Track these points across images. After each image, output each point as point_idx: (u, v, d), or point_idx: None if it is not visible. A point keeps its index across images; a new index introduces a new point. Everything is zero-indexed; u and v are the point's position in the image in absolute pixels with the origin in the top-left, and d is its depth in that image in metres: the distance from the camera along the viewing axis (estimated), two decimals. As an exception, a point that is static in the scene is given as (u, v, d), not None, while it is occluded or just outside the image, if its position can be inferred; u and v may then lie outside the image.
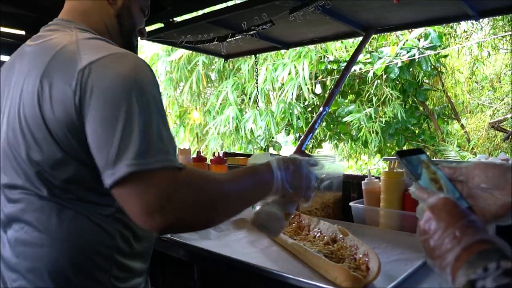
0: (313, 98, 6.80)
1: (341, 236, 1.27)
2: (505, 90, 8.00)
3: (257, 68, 4.08)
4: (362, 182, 1.60)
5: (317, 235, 1.37)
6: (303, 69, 5.82)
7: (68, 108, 0.86)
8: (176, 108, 7.62)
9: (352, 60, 2.61)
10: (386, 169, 1.53)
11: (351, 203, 1.59)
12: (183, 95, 7.30)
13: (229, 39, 2.30)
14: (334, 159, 1.73)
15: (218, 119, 6.65)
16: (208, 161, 2.08)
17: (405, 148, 7.28)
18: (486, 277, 0.55)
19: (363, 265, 1.09)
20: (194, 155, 2.08)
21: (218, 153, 2.01)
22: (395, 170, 1.51)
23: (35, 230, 0.93)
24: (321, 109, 2.27)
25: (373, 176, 1.61)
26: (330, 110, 6.91)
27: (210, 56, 6.37)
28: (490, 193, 0.78)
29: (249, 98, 6.54)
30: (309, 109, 7.28)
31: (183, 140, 7.82)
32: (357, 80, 7.01)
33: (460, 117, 7.73)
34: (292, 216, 1.54)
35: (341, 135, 7.54)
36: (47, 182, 0.91)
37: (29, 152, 0.90)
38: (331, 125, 7.41)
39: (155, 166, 0.82)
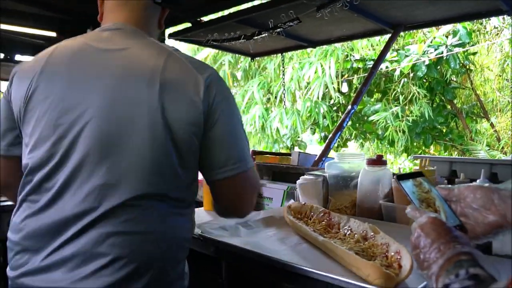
0: (338, 97, 6.77)
1: (372, 234, 1.26)
2: (537, 89, 7.79)
3: (283, 67, 4.08)
4: (392, 180, 1.59)
5: (348, 233, 1.36)
6: (329, 67, 5.80)
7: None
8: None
9: (380, 58, 2.59)
10: (417, 167, 1.51)
11: (381, 201, 1.58)
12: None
13: (256, 37, 2.31)
14: (363, 158, 1.72)
15: (244, 118, 6.67)
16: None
17: (432, 147, 7.18)
18: (455, 282, 0.65)
19: (395, 263, 1.08)
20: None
21: (247, 151, 2.02)
22: (426, 168, 1.49)
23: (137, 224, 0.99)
24: (349, 107, 2.27)
25: (403, 174, 1.60)
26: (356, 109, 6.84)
27: (236, 55, 6.39)
28: (479, 213, 0.87)
29: (275, 97, 6.54)
30: (335, 108, 7.24)
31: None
32: (384, 78, 6.94)
33: (489, 116, 7.57)
34: (322, 214, 1.55)
35: (367, 134, 7.48)
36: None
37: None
38: (357, 124, 7.36)
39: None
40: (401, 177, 0.99)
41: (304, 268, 1.15)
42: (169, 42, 3.51)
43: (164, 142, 0.99)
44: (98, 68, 1.03)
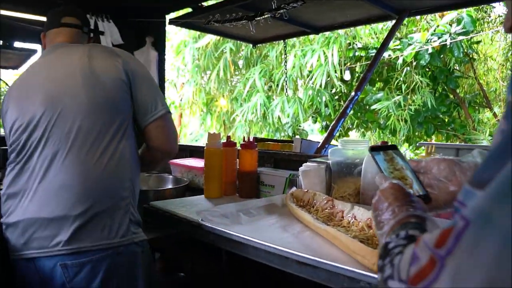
0: (340, 86, 6.71)
1: (377, 221, 1.23)
2: (540, 78, 7.70)
3: (285, 54, 4.03)
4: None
5: (352, 220, 1.33)
6: (332, 55, 5.73)
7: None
8: (203, 95, 7.62)
9: (385, 44, 2.54)
10: (423, 154, 1.47)
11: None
12: (210, 83, 7.29)
13: (258, 18, 2.25)
14: (367, 144, 1.68)
15: (245, 106, 6.62)
16: (238, 146, 2.06)
17: (434, 137, 7.13)
18: (393, 240, 0.67)
19: (402, 251, 1.05)
20: (224, 140, 2.05)
21: (249, 138, 1.98)
22: (432, 155, 1.45)
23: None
24: (352, 94, 2.23)
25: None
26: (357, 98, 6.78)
27: (238, 42, 6.33)
28: (442, 183, 0.94)
29: (277, 85, 6.48)
30: (336, 97, 7.18)
31: (210, 128, 7.83)
32: (386, 67, 6.88)
33: (492, 106, 7.51)
34: (325, 201, 1.52)
35: (369, 123, 7.43)
36: None
37: None
38: (359, 113, 7.31)
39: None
40: (373, 148, 1.04)
41: (308, 256, 1.12)
42: (170, 27, 3.46)
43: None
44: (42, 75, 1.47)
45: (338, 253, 1.15)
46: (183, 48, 7.03)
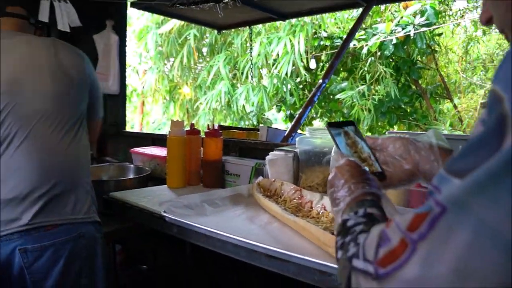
0: (305, 75, 6.69)
1: (348, 212, 1.19)
2: (497, 71, 7.92)
3: (251, 41, 3.94)
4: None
5: (321, 211, 1.28)
6: (298, 43, 5.67)
7: None
8: (166, 83, 7.45)
9: (353, 32, 2.50)
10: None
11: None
12: (173, 70, 7.13)
13: (226, 0, 2.17)
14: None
15: (209, 94, 6.50)
16: (202, 134, 1.98)
17: (396, 127, 7.23)
18: (352, 218, 0.68)
19: (375, 243, 1.01)
20: (187, 128, 1.97)
21: (213, 125, 1.91)
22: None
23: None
24: (320, 81, 2.18)
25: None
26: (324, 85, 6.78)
27: (203, 28, 6.20)
28: (397, 161, 0.93)
29: (242, 73, 6.39)
30: (301, 86, 7.17)
31: (173, 116, 7.68)
32: (350, 57, 6.91)
33: (452, 97, 7.67)
34: (293, 191, 1.47)
35: (333, 112, 7.46)
36: None
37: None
38: (323, 103, 7.32)
39: None
40: (331, 124, 1.02)
41: (277, 249, 1.06)
42: (132, 12, 3.32)
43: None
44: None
45: (308, 245, 1.11)
46: (146, 34, 6.82)
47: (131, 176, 2.22)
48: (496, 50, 7.93)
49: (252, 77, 5.45)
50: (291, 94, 6.59)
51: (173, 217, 1.36)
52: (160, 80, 7.46)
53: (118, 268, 2.56)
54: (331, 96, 6.95)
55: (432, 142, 0.92)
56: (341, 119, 7.32)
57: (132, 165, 2.35)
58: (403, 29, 5.96)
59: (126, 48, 3.09)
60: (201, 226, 1.27)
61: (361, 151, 0.96)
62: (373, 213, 0.68)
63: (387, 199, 0.78)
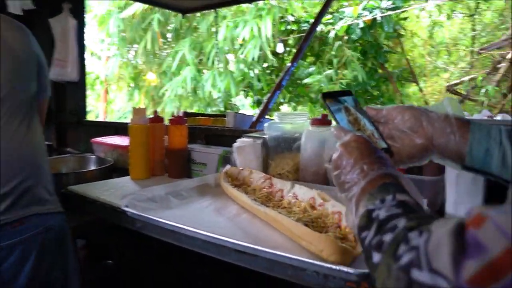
0: (272, 60, 6.62)
1: (320, 201, 1.12)
2: (461, 54, 8.06)
3: (216, 25, 3.82)
4: (340, 140, 1.45)
5: (293, 201, 1.22)
6: (265, 27, 5.55)
7: None
8: (130, 69, 7.24)
9: (320, 15, 2.43)
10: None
11: (326, 164, 1.44)
12: (137, 56, 6.93)
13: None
14: (306, 117, 1.57)
15: (174, 80, 6.34)
16: (166, 122, 1.88)
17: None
18: (381, 208, 0.59)
19: (350, 234, 0.95)
20: (151, 116, 1.87)
21: (178, 112, 1.81)
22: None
23: None
24: (289, 64, 2.11)
25: (350, 135, 1.47)
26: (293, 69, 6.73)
27: (167, 12, 6.02)
28: (406, 135, 0.82)
29: (208, 59, 6.25)
30: (268, 71, 7.10)
31: (138, 104, 7.49)
32: (318, 41, 6.87)
33: (418, 80, 7.76)
34: (263, 180, 1.39)
35: (300, 97, 7.43)
36: None
37: None
38: (290, 88, 7.28)
39: None
40: (327, 95, 0.87)
41: (246, 244, 0.99)
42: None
43: None
44: None
45: (280, 238, 1.04)
46: (108, 19, 6.56)
47: (93, 168, 2.11)
48: (459, 34, 8.04)
49: (218, 62, 5.32)
50: (259, 80, 6.51)
51: (136, 212, 1.26)
52: (124, 67, 7.25)
53: (82, 264, 2.45)
54: (299, 81, 6.91)
55: (448, 112, 0.81)
56: (309, 104, 7.30)
57: (93, 156, 2.24)
58: (370, 12, 5.95)
59: (87, 33, 2.93)
60: (165, 221, 1.18)
61: (364, 128, 0.84)
62: (406, 201, 0.59)
63: (408, 181, 0.67)
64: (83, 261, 2.56)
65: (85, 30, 2.87)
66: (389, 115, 0.85)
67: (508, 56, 6.03)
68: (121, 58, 6.99)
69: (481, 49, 6.75)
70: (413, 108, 0.83)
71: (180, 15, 3.49)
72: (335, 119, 0.84)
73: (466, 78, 6.94)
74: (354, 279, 0.83)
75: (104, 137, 2.35)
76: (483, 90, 6.12)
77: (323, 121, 1.48)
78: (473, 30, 7.64)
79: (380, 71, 7.23)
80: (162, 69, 6.99)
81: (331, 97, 0.87)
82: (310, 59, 7.25)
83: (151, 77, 7.34)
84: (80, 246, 2.62)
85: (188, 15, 3.44)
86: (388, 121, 0.85)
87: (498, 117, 1.71)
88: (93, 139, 2.32)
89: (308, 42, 2.41)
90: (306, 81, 6.48)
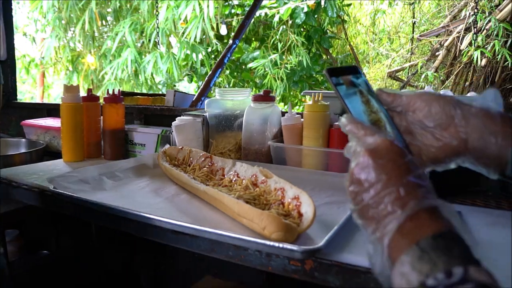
0: (217, 44, 6.51)
1: (263, 178, 1.07)
2: (402, 42, 8.29)
3: (157, 3, 3.68)
4: (282, 118, 1.41)
5: (234, 179, 1.16)
6: (208, 6, 5.39)
7: None
8: (68, 52, 6.90)
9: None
10: (310, 102, 1.34)
11: (269, 142, 1.39)
12: (75, 38, 6.61)
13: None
14: (248, 94, 1.51)
15: (114, 63, 6.09)
16: (101, 101, 1.77)
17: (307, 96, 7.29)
18: (449, 286, 0.38)
19: (294, 211, 0.90)
20: (84, 94, 1.75)
21: (113, 90, 1.70)
22: (319, 103, 1.33)
23: None
24: (230, 42, 2.03)
25: (294, 111, 1.42)
26: (233, 57, 6.67)
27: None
28: (431, 132, 0.64)
29: (149, 40, 6.05)
30: (213, 55, 6.99)
31: (76, 88, 7.16)
32: (262, 26, 6.82)
33: (361, 66, 7.89)
34: (203, 159, 1.33)
35: (245, 82, 7.38)
36: None
37: None
38: (235, 73, 7.20)
39: None
40: (332, 72, 0.66)
41: (184, 224, 0.92)
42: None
43: None
44: None
45: (221, 217, 0.98)
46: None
47: (23, 151, 1.97)
48: (400, 22, 8.24)
49: (158, 43, 5.14)
50: (202, 64, 6.38)
51: (66, 193, 1.16)
52: (61, 50, 6.90)
53: (11, 255, 2.30)
54: (243, 66, 6.85)
55: (489, 107, 0.63)
56: (254, 89, 7.25)
57: (24, 139, 2.10)
58: (314, -3, 5.96)
59: (16, 10, 2.73)
60: (97, 203, 1.09)
61: (379, 116, 0.65)
62: (487, 284, 0.38)
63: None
64: (17, 252, 2.42)
65: (11, 6, 2.67)
66: (410, 104, 0.66)
67: (446, 44, 6.22)
68: (57, 39, 6.63)
69: (420, 36, 6.93)
70: (444, 99, 0.64)
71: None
72: (346, 106, 0.64)
73: (407, 65, 7.12)
74: (298, 256, 0.78)
75: (35, 119, 2.20)
76: (423, 76, 6.29)
77: (265, 97, 1.43)
78: (413, 18, 7.85)
79: (324, 56, 7.28)
80: (101, 51, 6.70)
81: (338, 74, 0.67)
82: (255, 44, 7.20)
83: (90, 60, 7.03)
84: (14, 236, 2.47)
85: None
86: (408, 111, 0.67)
87: (441, 92, 1.72)
88: (23, 122, 2.16)
89: (251, 19, 2.35)
90: (251, 65, 6.41)
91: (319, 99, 1.34)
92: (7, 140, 2.13)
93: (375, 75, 8.06)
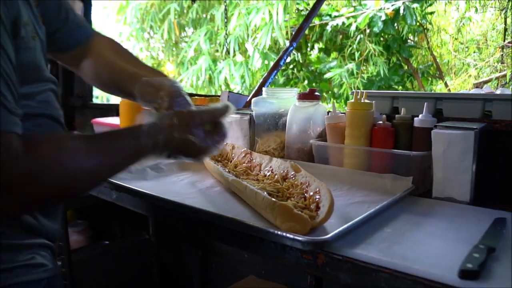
0: (294, 53, 6.51)
1: (292, 173, 1.06)
2: (491, 51, 7.82)
3: (226, 11, 3.74)
4: (325, 117, 1.38)
5: (268, 174, 1.15)
6: (277, 13, 5.38)
7: None
8: (149, 61, 7.23)
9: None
10: (352, 101, 1.30)
11: (311, 141, 1.37)
12: (155, 47, 6.91)
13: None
14: (295, 93, 1.50)
15: (190, 70, 6.28)
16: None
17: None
18: None
19: (313, 204, 0.88)
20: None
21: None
22: (362, 101, 1.29)
23: None
24: (287, 44, 2.03)
25: (338, 110, 1.39)
26: (312, 68, 6.64)
27: (182, 2, 5.95)
28: None
29: (223, 47, 6.17)
30: (291, 66, 6.98)
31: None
32: (340, 35, 6.73)
33: (444, 77, 7.55)
34: (243, 155, 1.34)
35: (323, 93, 7.31)
36: None
37: None
38: (313, 83, 7.15)
39: None
40: None
41: (204, 209, 0.93)
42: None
43: None
44: None
45: (245, 209, 0.98)
46: (125, 7, 6.51)
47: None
48: (488, 30, 7.80)
49: (227, 50, 5.21)
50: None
51: (115, 182, 1.21)
52: (144, 59, 7.26)
53: (77, 244, 2.45)
54: (322, 76, 6.78)
55: None
56: (332, 99, 7.17)
57: (92, 136, 2.22)
58: (392, 5, 5.80)
59: (104, 23, 2.94)
60: (133, 189, 1.13)
61: None
62: None
63: None
64: (83, 242, 2.57)
65: (91, 12, 2.86)
66: None
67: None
68: (139, 49, 6.96)
69: (509, 42, 6.50)
70: None
71: (195, 5, 3.44)
72: None
73: (496, 75, 6.71)
74: (301, 246, 0.76)
75: (105, 118, 2.33)
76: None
77: (309, 96, 1.41)
78: (505, 24, 7.40)
79: (404, 66, 7.04)
80: (179, 59, 6.93)
81: None
82: (334, 54, 7.11)
83: (170, 68, 7.32)
84: (81, 228, 2.63)
85: (195, 3, 3.39)
86: None
87: (498, 91, 1.61)
88: (93, 120, 2.30)
89: (311, 20, 2.32)
90: (327, 75, 6.34)
91: (363, 97, 1.30)
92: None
93: (460, 86, 7.67)
